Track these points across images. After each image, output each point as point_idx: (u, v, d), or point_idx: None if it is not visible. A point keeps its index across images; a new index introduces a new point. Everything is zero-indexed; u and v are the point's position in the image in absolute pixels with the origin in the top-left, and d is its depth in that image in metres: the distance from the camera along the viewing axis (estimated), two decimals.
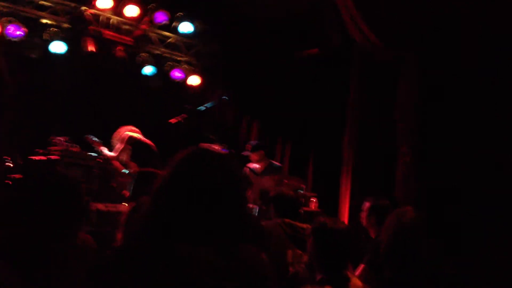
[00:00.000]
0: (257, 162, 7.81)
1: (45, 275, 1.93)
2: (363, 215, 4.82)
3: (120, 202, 7.01)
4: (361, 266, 4.28)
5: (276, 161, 8.90)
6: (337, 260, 2.86)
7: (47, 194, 2.12)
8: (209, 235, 1.52)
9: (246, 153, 7.81)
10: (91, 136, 7.34)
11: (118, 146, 7.09)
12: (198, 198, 1.55)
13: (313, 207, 8.02)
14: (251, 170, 7.69)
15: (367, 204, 4.80)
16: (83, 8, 8.45)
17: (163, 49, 9.90)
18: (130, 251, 1.53)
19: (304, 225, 4.44)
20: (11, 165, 6.49)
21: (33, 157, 6.91)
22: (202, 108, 7.84)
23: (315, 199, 8.16)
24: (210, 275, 1.43)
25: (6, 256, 1.89)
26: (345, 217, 7.93)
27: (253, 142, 8.12)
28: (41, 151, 7.07)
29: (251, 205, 6.99)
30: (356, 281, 2.87)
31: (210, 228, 1.54)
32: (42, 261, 1.96)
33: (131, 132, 7.17)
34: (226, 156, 1.82)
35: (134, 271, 1.44)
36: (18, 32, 7.82)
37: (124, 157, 7.21)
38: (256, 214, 6.83)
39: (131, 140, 7.06)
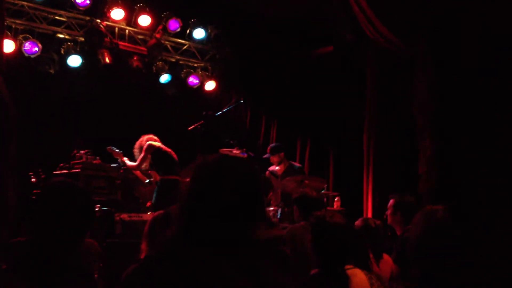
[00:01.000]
0: (277, 164, 7.82)
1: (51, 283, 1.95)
2: (388, 212, 4.77)
3: (144, 212, 7.06)
4: (386, 260, 4.24)
5: (296, 161, 8.90)
6: (335, 255, 2.84)
7: (56, 204, 2.14)
8: (235, 243, 1.55)
9: (266, 156, 7.83)
10: (113, 148, 7.40)
11: (140, 155, 7.14)
12: (222, 205, 1.58)
13: (336, 206, 7.99)
14: (272, 173, 7.70)
15: (391, 201, 4.75)
16: (98, 21, 8.53)
17: (178, 57, 9.97)
18: (158, 262, 1.54)
19: None
20: (35, 180, 6.57)
21: (57, 172, 7.00)
22: (220, 113, 7.87)
23: (338, 197, 8.13)
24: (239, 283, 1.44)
25: (16, 265, 1.92)
26: (369, 214, 7.87)
27: (272, 145, 8.13)
28: (65, 165, 7.15)
29: (273, 208, 7.00)
30: (360, 275, 2.84)
31: (236, 235, 1.56)
32: (47, 270, 1.98)
33: (151, 141, 7.20)
34: (246, 161, 1.83)
35: (162, 281, 1.45)
36: (35, 49, 7.94)
37: (145, 166, 7.26)
38: (279, 216, 6.83)
39: (151, 148, 7.10)
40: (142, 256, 3.38)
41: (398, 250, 4.21)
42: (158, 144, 7.23)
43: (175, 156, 7.27)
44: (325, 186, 8.01)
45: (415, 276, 2.10)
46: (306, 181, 7.07)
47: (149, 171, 7.48)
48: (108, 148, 7.40)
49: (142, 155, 7.12)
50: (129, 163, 7.31)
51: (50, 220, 2.08)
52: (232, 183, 1.61)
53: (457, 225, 1.97)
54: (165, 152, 7.22)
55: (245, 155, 7.20)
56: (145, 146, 7.11)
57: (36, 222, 2.09)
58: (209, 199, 1.59)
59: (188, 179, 1.74)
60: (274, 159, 7.79)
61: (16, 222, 4.33)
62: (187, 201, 1.65)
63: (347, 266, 2.84)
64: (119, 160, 7.43)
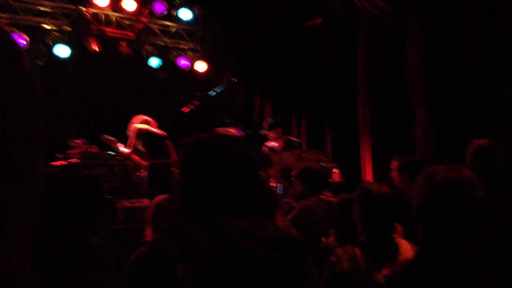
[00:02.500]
0: (275, 140, 7.80)
1: (72, 273, 1.96)
2: (394, 174, 4.74)
3: (144, 197, 7.04)
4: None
5: (293, 137, 8.90)
6: (384, 225, 2.89)
7: (69, 194, 2.15)
8: (242, 211, 1.58)
9: (263, 131, 7.80)
10: (106, 136, 7.30)
11: (130, 140, 6.97)
12: (220, 182, 1.61)
13: (336, 178, 8.00)
14: (270, 148, 7.69)
15: (395, 163, 4.70)
16: (83, 8, 8.44)
17: (166, 40, 9.89)
18: (179, 232, 1.56)
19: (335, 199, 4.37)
20: None
21: (54, 163, 6.97)
22: (213, 93, 7.83)
23: (338, 169, 8.14)
24: (260, 246, 1.47)
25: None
26: None
27: (269, 120, 8.10)
28: (60, 155, 7.11)
29: (274, 184, 7.00)
30: (404, 243, 2.89)
31: (240, 205, 1.60)
32: (65, 261, 2.00)
33: (142, 123, 7.03)
34: (241, 138, 1.88)
35: (188, 249, 1.48)
36: (21, 42, 7.86)
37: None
38: (281, 192, 6.84)
39: (140, 132, 6.94)
40: (147, 239, 3.40)
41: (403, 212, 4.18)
42: (145, 126, 7.01)
43: (165, 138, 7.10)
44: (324, 158, 8.02)
45: (422, 239, 2.10)
46: (305, 155, 7.08)
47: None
48: (101, 136, 7.32)
49: (132, 139, 6.95)
50: (123, 149, 7.19)
51: (62, 211, 2.09)
52: (228, 159, 1.65)
53: (460, 182, 1.96)
54: (153, 134, 7.01)
55: (242, 133, 7.19)
56: (134, 130, 6.94)
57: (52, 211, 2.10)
58: (206, 175, 1.63)
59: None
60: (272, 135, 7.77)
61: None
62: (183, 181, 1.68)
63: (394, 236, 2.91)
64: (113, 147, 7.37)
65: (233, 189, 1.61)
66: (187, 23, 9.83)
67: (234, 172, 1.63)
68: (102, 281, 2.02)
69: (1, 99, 0.63)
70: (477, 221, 1.93)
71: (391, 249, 2.82)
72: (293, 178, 4.89)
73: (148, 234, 3.43)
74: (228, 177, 1.62)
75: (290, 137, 8.09)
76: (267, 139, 7.84)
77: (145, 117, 7.09)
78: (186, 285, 1.44)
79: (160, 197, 3.55)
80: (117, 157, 7.39)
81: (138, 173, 7.38)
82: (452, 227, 1.94)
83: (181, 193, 1.67)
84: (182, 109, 7.37)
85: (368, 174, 8.07)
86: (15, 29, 7.89)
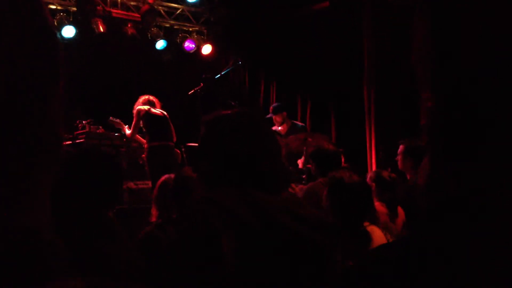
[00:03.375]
0: (280, 124, 7.81)
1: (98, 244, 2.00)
2: (399, 158, 4.73)
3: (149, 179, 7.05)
4: (400, 213, 4.20)
5: (298, 120, 8.90)
6: (355, 214, 2.88)
7: (89, 169, 2.20)
8: (266, 185, 1.62)
9: (269, 115, 7.81)
10: (112, 118, 7.23)
11: (133, 122, 6.89)
12: (243, 155, 1.65)
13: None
14: (276, 132, 7.70)
15: (401, 147, 4.71)
16: None
17: (172, 22, 9.87)
18: (217, 203, 1.56)
19: None
20: None
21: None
22: (218, 75, 7.82)
23: (341, 154, 8.13)
24: (290, 219, 1.50)
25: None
26: (373, 167, 7.91)
27: (274, 104, 8.10)
28: (68, 136, 7.12)
29: None
30: (376, 231, 2.89)
31: (263, 179, 1.64)
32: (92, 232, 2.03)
33: (144, 103, 6.93)
34: (254, 115, 1.89)
35: (233, 220, 1.48)
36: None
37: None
38: None
39: (140, 113, 6.80)
40: (153, 219, 3.43)
41: (406, 197, 4.18)
42: (145, 107, 6.85)
43: (166, 119, 6.93)
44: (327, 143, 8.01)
45: (422, 224, 2.10)
46: (309, 139, 7.07)
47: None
48: (108, 120, 7.26)
49: (134, 121, 6.86)
50: (127, 131, 7.12)
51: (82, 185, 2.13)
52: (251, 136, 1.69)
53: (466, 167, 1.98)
54: (154, 116, 6.83)
55: None
56: (135, 112, 6.84)
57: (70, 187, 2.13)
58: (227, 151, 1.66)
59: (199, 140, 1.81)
60: (277, 118, 7.78)
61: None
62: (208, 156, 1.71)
63: (365, 223, 2.90)
64: (120, 129, 7.33)
65: (257, 162, 1.64)
66: (193, 4, 9.80)
67: (257, 145, 1.67)
68: (116, 253, 2.05)
69: (24, 56, 0.64)
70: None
71: (362, 237, 2.81)
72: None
73: (154, 213, 3.47)
74: (251, 150, 1.65)
75: (295, 122, 8.10)
76: (272, 123, 7.86)
77: (148, 97, 6.98)
78: (232, 257, 1.44)
79: (164, 178, 3.57)
80: (124, 139, 7.40)
81: (143, 155, 7.37)
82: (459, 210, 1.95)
83: (207, 168, 1.70)
84: (189, 93, 7.36)
85: (372, 158, 8.09)
86: None
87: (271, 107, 7.92)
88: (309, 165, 6.23)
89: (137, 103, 6.92)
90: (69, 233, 1.89)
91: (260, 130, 1.72)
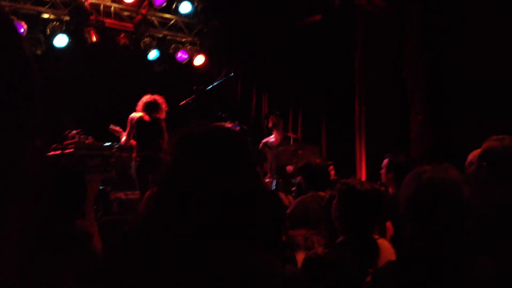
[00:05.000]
0: (275, 132, 7.80)
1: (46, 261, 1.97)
2: (382, 171, 4.79)
3: None
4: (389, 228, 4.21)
5: (289, 132, 8.91)
6: (366, 223, 2.83)
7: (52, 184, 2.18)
8: (222, 226, 1.36)
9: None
10: (113, 126, 7.05)
11: (127, 129, 6.80)
12: (207, 179, 1.40)
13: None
14: (266, 144, 7.72)
15: (386, 161, 4.77)
16: None
17: (165, 32, 9.89)
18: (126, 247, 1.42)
19: None
20: None
21: (50, 153, 6.94)
22: (210, 86, 7.83)
23: (331, 166, 8.14)
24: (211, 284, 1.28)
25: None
26: (363, 180, 7.90)
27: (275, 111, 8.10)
28: (58, 146, 7.07)
29: (268, 180, 7.03)
30: (385, 243, 2.86)
31: (222, 215, 1.37)
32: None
33: (140, 110, 6.78)
34: (235, 132, 1.74)
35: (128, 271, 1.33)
36: (20, 30, 7.83)
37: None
38: (274, 188, 6.87)
39: (132, 120, 6.71)
40: None
41: (388, 209, 4.17)
42: (138, 115, 6.71)
43: (158, 127, 6.72)
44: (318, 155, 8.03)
45: (407, 237, 2.12)
46: (300, 151, 7.09)
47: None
48: (109, 128, 7.09)
49: (127, 129, 6.75)
50: (122, 139, 7.02)
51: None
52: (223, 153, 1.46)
53: (447, 184, 1.98)
54: (145, 124, 6.64)
55: (238, 128, 7.20)
56: (128, 119, 6.72)
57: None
58: (190, 175, 1.42)
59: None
60: (269, 124, 7.82)
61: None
62: (168, 176, 1.49)
63: (375, 236, 2.86)
64: (119, 137, 7.14)
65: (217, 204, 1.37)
66: (186, 15, 9.82)
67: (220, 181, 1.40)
68: (85, 266, 2.03)
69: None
70: (460, 221, 1.96)
71: (372, 248, 2.77)
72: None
73: None
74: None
75: (288, 134, 8.13)
76: (263, 136, 7.88)
77: (149, 99, 6.78)
78: None
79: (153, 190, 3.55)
80: (113, 149, 7.37)
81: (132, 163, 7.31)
82: (437, 226, 1.96)
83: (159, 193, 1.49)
84: (180, 103, 7.35)
85: (362, 171, 8.10)
86: (14, 17, 7.86)
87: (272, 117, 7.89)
88: (298, 177, 6.25)
89: (138, 104, 6.80)
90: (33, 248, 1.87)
91: (229, 162, 1.45)
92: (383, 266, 2.26)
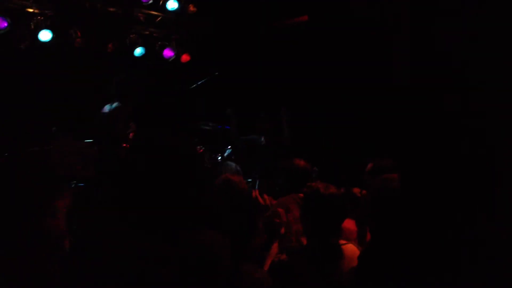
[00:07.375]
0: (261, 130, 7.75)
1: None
2: (365, 176, 4.76)
3: None
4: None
5: (275, 133, 8.87)
6: (328, 227, 2.82)
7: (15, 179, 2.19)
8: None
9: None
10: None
11: None
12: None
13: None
14: (249, 143, 7.68)
15: (369, 165, 4.73)
16: None
17: (151, 29, 9.79)
18: None
19: None
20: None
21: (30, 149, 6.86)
22: (194, 86, 7.77)
23: (316, 169, 8.12)
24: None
25: None
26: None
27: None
28: (39, 143, 7.00)
29: (251, 180, 7.00)
30: (351, 248, 2.84)
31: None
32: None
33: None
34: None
35: None
36: (3, 24, 7.74)
37: None
38: (257, 188, 6.84)
39: None
40: None
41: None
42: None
43: None
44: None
45: (373, 230, 2.21)
46: (284, 152, 7.07)
47: None
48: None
49: None
50: None
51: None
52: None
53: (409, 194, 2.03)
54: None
55: (220, 128, 7.16)
56: None
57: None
58: None
59: None
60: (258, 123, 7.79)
61: None
62: None
63: (342, 241, 2.83)
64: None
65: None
66: (173, 13, 9.74)
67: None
68: (53, 261, 2.02)
69: None
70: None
71: (333, 252, 2.74)
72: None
73: None
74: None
75: (272, 135, 8.10)
76: (245, 134, 7.82)
77: None
78: None
79: None
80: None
81: None
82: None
83: None
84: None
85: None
86: None
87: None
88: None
89: None
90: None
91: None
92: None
